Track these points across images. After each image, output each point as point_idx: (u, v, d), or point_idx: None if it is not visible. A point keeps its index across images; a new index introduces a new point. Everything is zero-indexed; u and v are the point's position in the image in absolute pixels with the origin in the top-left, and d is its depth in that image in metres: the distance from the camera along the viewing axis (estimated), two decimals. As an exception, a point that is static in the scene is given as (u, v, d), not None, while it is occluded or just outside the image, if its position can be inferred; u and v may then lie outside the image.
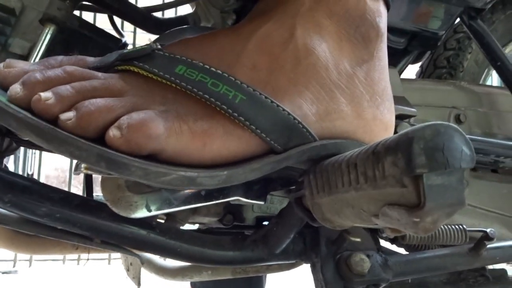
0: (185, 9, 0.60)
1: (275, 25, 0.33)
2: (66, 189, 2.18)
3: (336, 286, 0.40)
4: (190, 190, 0.36)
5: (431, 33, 0.59)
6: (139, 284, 0.44)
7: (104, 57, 0.31)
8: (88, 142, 0.23)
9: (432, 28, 0.59)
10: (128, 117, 0.25)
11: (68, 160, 2.37)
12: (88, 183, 0.44)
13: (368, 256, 0.42)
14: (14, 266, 1.65)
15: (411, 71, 0.79)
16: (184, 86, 0.28)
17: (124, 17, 0.50)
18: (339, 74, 0.33)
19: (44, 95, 0.25)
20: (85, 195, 0.46)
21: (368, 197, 0.26)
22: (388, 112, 0.37)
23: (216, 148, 0.28)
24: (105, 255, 1.74)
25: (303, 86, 0.32)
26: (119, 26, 0.56)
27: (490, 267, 0.58)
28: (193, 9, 0.57)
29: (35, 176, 2.30)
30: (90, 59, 0.31)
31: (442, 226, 0.46)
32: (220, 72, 0.28)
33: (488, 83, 0.87)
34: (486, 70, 0.77)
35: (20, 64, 0.28)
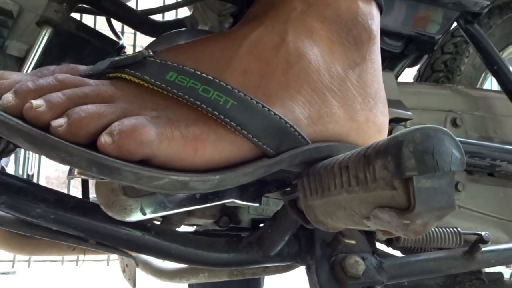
0: (183, 12, 0.60)
1: (266, 30, 0.33)
2: (65, 190, 2.18)
3: (330, 289, 0.41)
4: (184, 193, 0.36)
5: (427, 37, 0.59)
6: (134, 285, 0.44)
7: (96, 65, 0.31)
8: (78, 147, 0.23)
9: (429, 32, 0.59)
10: (120, 123, 0.25)
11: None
12: (84, 185, 0.45)
13: (363, 258, 0.42)
14: (12, 267, 1.65)
15: (409, 74, 0.79)
16: (176, 93, 0.28)
17: (121, 20, 0.50)
18: (331, 77, 0.33)
19: (36, 102, 0.25)
20: (81, 197, 0.46)
21: (360, 200, 0.27)
22: (381, 114, 0.37)
23: (208, 153, 0.28)
24: (103, 256, 1.74)
25: (295, 90, 0.32)
26: (119, 28, 0.57)
27: (486, 270, 0.59)
28: (191, 12, 0.58)
29: (35, 177, 2.30)
30: (82, 67, 0.31)
31: (437, 229, 0.46)
32: (211, 78, 0.29)
33: (488, 87, 0.87)
34: (483, 74, 0.77)
35: (13, 76, 0.28)
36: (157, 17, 0.59)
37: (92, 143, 0.25)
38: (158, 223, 0.44)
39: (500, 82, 0.63)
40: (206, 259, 0.41)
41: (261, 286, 0.95)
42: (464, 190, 0.59)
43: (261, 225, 0.54)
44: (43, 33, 0.41)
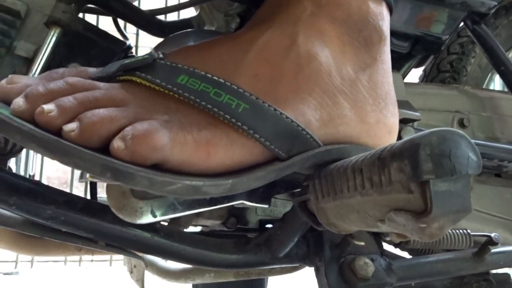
0: (189, 12, 0.60)
1: (276, 32, 0.33)
2: (68, 190, 2.18)
3: (339, 290, 0.40)
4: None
5: (434, 37, 0.59)
6: (142, 286, 0.44)
7: (106, 67, 0.31)
8: (92, 153, 0.23)
9: (435, 32, 0.59)
10: (132, 128, 0.25)
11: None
12: (93, 186, 0.44)
13: (372, 260, 0.42)
14: (15, 267, 1.65)
15: (414, 75, 0.79)
16: (187, 97, 0.28)
17: (128, 20, 0.50)
18: (342, 79, 0.33)
19: (47, 107, 0.25)
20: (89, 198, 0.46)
21: (374, 203, 0.26)
22: (392, 116, 0.37)
23: (220, 157, 0.28)
24: (106, 256, 1.74)
25: (306, 93, 0.31)
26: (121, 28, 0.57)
27: (494, 271, 0.58)
28: (197, 12, 0.57)
29: (37, 177, 2.31)
30: (92, 70, 0.31)
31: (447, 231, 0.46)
32: (223, 81, 0.28)
33: (493, 88, 0.87)
34: (489, 75, 0.77)
35: (23, 80, 0.28)
36: (163, 17, 0.59)
37: (104, 148, 0.25)
38: (166, 224, 0.44)
39: (507, 82, 0.63)
40: (214, 260, 0.41)
41: (265, 286, 0.95)
42: (471, 191, 0.58)
43: (268, 225, 0.54)
44: (51, 33, 0.41)
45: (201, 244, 0.40)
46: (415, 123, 0.53)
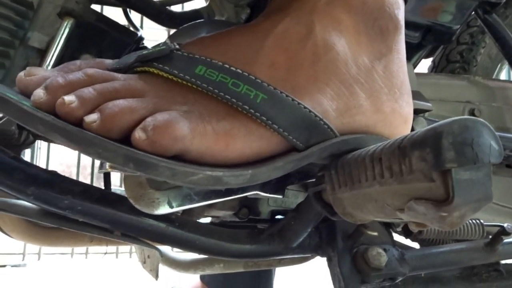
0: (199, 3, 0.60)
1: (292, 22, 0.32)
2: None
3: (353, 280, 0.41)
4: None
5: (445, 27, 0.58)
6: (157, 276, 0.44)
7: (123, 59, 0.31)
8: (115, 143, 0.23)
9: (446, 22, 0.58)
10: (153, 118, 0.25)
11: (74, 155, 2.37)
12: (106, 177, 0.45)
13: (385, 250, 0.42)
14: (23, 260, 1.67)
15: (423, 65, 0.78)
16: (205, 88, 0.28)
17: (138, 11, 0.50)
18: (358, 68, 0.33)
19: (68, 98, 0.25)
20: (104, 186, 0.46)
21: (393, 192, 0.26)
22: (407, 105, 0.37)
23: (238, 148, 0.28)
24: (112, 249, 1.75)
25: (323, 83, 0.31)
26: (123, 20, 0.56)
27: (504, 261, 0.58)
28: (207, 3, 0.57)
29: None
30: (108, 61, 0.31)
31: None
32: (240, 72, 0.28)
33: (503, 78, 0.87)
34: (499, 65, 0.77)
35: (41, 72, 0.28)
36: (174, 8, 0.58)
37: (125, 138, 0.25)
38: (179, 215, 0.44)
39: (518, 72, 0.62)
40: (228, 251, 0.41)
41: (273, 276, 0.95)
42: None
43: (278, 216, 0.54)
44: (65, 24, 0.41)
45: (215, 235, 0.40)
46: (427, 114, 0.53)
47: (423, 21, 0.58)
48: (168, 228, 0.37)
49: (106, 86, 0.27)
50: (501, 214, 0.60)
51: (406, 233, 0.51)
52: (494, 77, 0.77)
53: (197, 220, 0.45)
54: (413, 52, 0.62)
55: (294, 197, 0.50)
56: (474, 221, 0.44)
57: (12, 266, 1.62)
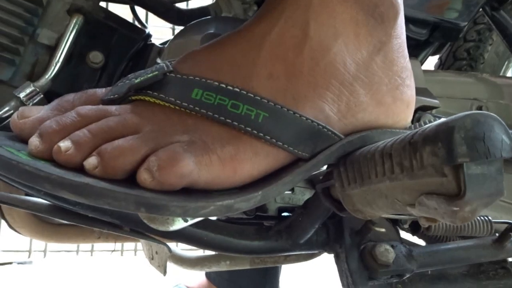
0: (206, 0, 0.60)
1: (287, 25, 0.31)
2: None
3: (361, 276, 0.41)
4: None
5: (453, 24, 0.58)
6: (165, 272, 0.44)
7: (116, 87, 0.30)
8: (123, 191, 0.23)
9: (454, 19, 0.58)
10: (156, 157, 0.25)
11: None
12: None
13: (392, 246, 0.42)
14: (29, 257, 1.68)
15: (429, 63, 0.78)
16: (205, 113, 0.27)
17: (147, 8, 0.50)
18: (357, 65, 0.32)
19: (63, 145, 0.25)
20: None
21: (404, 187, 0.26)
22: (408, 88, 0.35)
23: (246, 171, 0.28)
24: (117, 246, 1.77)
25: (324, 88, 0.31)
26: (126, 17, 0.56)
27: (511, 259, 0.58)
28: (214, 0, 0.57)
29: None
30: (101, 92, 0.30)
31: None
32: (238, 90, 0.28)
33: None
34: (506, 62, 0.76)
35: (34, 112, 0.28)
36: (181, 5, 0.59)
37: (131, 176, 0.25)
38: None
39: (526, 69, 0.62)
40: (236, 247, 0.41)
41: (279, 274, 0.96)
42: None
43: (285, 214, 0.54)
44: (74, 21, 0.41)
45: (223, 231, 0.41)
46: (434, 110, 0.53)
47: (430, 18, 0.58)
48: (177, 224, 0.38)
49: (101, 127, 0.26)
50: (510, 212, 0.59)
51: (413, 230, 0.51)
52: (501, 74, 0.77)
53: (205, 217, 0.45)
54: (420, 49, 0.62)
55: (301, 193, 0.50)
56: (482, 217, 0.44)
57: (18, 263, 1.63)
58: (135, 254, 1.75)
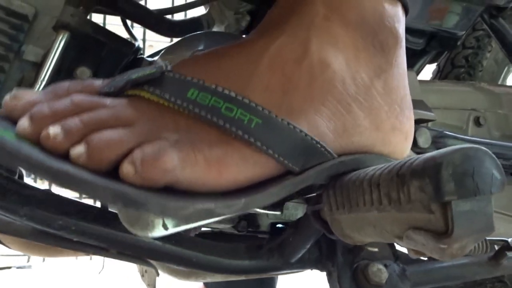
0: (198, 11, 0.59)
1: (288, 40, 0.31)
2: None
3: (353, 297, 0.40)
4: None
5: (450, 33, 0.57)
6: (154, 292, 0.44)
7: (113, 81, 0.30)
8: (103, 182, 0.23)
9: (451, 28, 0.57)
10: (141, 151, 0.24)
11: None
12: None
13: (385, 266, 0.41)
14: (28, 261, 1.68)
15: (426, 70, 0.77)
16: (198, 113, 0.27)
17: (137, 21, 0.49)
18: (356, 87, 0.32)
19: (53, 131, 0.24)
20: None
21: (392, 219, 0.26)
22: (407, 120, 0.36)
23: (232, 175, 0.27)
24: (117, 248, 1.78)
25: (320, 103, 0.30)
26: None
27: (508, 273, 0.57)
28: (207, 10, 0.56)
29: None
30: (98, 83, 0.30)
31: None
32: (234, 95, 0.27)
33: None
34: (505, 69, 0.75)
35: (27, 96, 0.27)
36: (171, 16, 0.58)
37: (114, 168, 0.25)
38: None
39: (525, 78, 0.61)
40: (227, 267, 0.40)
41: (275, 282, 0.95)
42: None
43: (279, 225, 0.53)
44: (60, 37, 0.40)
45: (213, 251, 0.40)
46: (430, 123, 0.52)
47: (428, 28, 0.57)
48: (164, 245, 0.37)
49: (93, 117, 0.26)
50: (507, 224, 0.59)
51: (412, 258, 0.50)
52: (500, 81, 0.76)
53: (195, 235, 0.44)
54: (416, 58, 0.61)
55: (294, 209, 0.50)
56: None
57: (17, 267, 1.63)
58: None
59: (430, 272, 0.44)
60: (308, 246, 0.41)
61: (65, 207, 0.33)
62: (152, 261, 0.40)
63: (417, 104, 0.51)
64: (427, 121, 0.51)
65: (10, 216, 0.31)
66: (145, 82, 0.28)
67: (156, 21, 0.50)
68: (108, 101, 0.27)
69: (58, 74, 0.43)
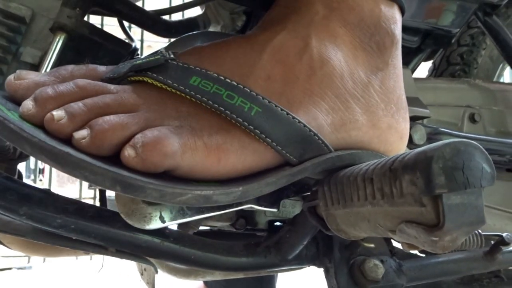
0: (194, 11, 0.59)
1: (289, 35, 0.32)
2: (77, 184, 2.19)
3: (350, 293, 0.40)
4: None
5: (445, 31, 0.58)
6: (153, 289, 0.44)
7: (117, 67, 0.30)
8: (102, 166, 0.23)
9: (446, 26, 0.58)
10: (142, 135, 0.25)
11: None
12: (102, 193, 0.44)
13: (382, 261, 0.42)
14: (28, 262, 1.68)
15: (422, 68, 0.77)
16: (199, 98, 0.27)
17: (133, 22, 0.49)
18: (354, 83, 0.33)
19: (57, 114, 0.25)
20: (99, 202, 0.46)
21: (385, 213, 0.26)
22: (403, 121, 0.36)
23: (231, 162, 0.27)
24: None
25: (318, 97, 0.31)
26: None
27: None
28: (203, 10, 0.57)
29: (47, 171, 2.33)
30: (101, 68, 0.30)
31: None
32: (235, 83, 0.28)
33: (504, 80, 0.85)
34: (500, 66, 0.76)
35: (31, 76, 0.28)
36: (167, 16, 0.58)
37: (115, 154, 0.25)
38: (176, 228, 0.44)
39: (519, 75, 0.62)
40: (224, 264, 0.41)
41: (275, 280, 0.96)
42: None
43: (277, 223, 0.53)
44: (57, 39, 0.41)
45: (211, 248, 0.40)
46: (425, 120, 0.52)
47: (422, 25, 0.57)
48: (163, 243, 0.37)
49: (96, 102, 0.26)
50: (503, 220, 0.59)
51: (406, 251, 0.51)
52: (495, 78, 0.76)
53: (193, 234, 0.45)
54: (412, 56, 0.61)
55: (291, 206, 0.50)
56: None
57: (17, 268, 1.63)
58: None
59: (426, 267, 0.44)
60: (305, 243, 0.41)
61: (64, 205, 0.34)
62: (151, 259, 0.41)
63: (412, 101, 0.51)
64: (422, 118, 0.51)
65: (9, 215, 0.32)
66: (148, 68, 0.28)
67: (152, 21, 0.51)
68: (112, 86, 0.28)
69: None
